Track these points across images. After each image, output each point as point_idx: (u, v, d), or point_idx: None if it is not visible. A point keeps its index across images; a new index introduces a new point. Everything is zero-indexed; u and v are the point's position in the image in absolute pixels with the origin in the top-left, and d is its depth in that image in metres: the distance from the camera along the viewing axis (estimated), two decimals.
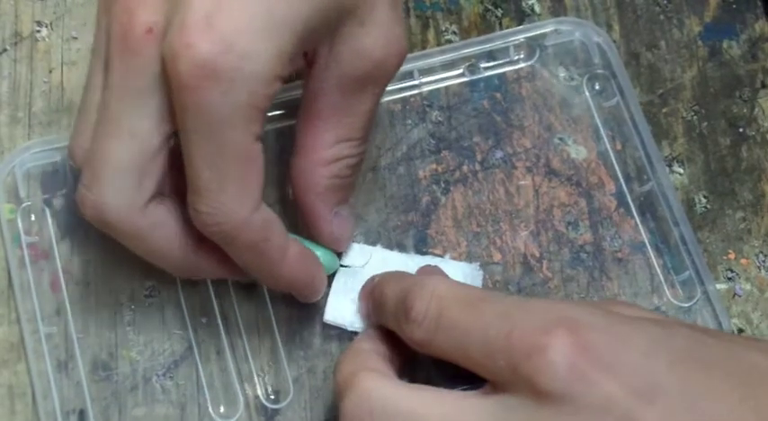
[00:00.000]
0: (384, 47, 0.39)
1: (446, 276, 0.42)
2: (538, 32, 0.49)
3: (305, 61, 0.40)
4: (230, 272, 0.41)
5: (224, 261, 0.40)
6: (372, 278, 0.43)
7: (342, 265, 0.45)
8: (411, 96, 0.49)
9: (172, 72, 0.35)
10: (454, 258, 0.46)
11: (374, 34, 0.39)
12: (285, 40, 0.36)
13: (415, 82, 0.49)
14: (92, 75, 0.39)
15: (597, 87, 0.49)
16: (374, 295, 0.42)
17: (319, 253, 0.43)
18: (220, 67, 0.35)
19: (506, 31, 0.50)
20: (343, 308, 0.44)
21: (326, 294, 0.44)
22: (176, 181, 0.39)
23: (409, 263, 0.45)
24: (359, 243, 0.46)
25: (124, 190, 0.38)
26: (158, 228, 0.39)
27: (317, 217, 0.43)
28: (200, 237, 0.39)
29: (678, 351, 0.35)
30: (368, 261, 0.45)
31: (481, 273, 0.46)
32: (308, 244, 0.43)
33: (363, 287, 0.44)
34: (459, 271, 0.45)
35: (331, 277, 0.44)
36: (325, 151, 0.41)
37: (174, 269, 0.41)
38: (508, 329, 0.35)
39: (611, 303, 0.41)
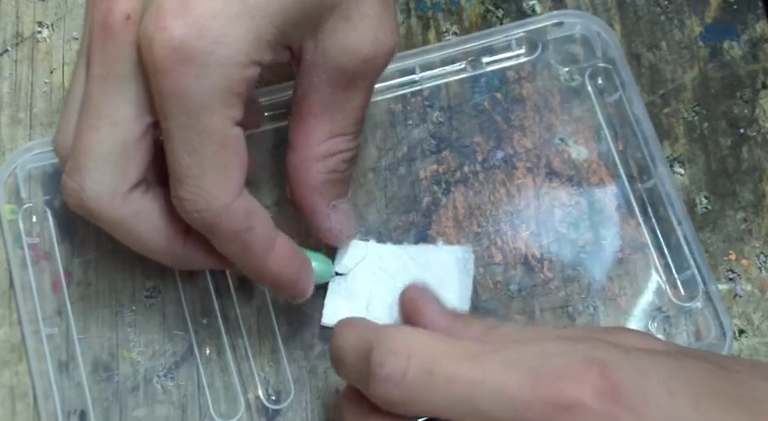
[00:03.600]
0: (372, 43, 0.39)
1: (412, 329, 0.37)
2: (539, 26, 0.49)
3: (292, 57, 0.40)
4: (218, 262, 0.40)
5: (211, 251, 0.39)
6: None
7: (337, 273, 0.45)
8: (412, 97, 0.49)
9: (147, 56, 0.35)
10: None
11: (361, 29, 0.39)
12: (261, 26, 0.35)
13: (416, 78, 0.49)
14: (76, 68, 0.39)
15: (600, 83, 0.49)
16: (331, 349, 0.39)
17: (315, 262, 0.43)
18: (194, 51, 0.34)
19: (508, 25, 0.49)
20: (340, 310, 0.44)
21: (324, 297, 0.44)
22: (162, 169, 0.39)
23: (403, 255, 0.45)
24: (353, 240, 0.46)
25: (105, 178, 0.37)
26: (142, 217, 0.39)
27: (315, 212, 0.42)
28: (186, 227, 0.39)
29: (696, 385, 0.34)
30: (363, 258, 0.45)
31: (473, 256, 0.46)
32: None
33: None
34: (452, 255, 0.45)
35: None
36: (318, 147, 0.41)
37: (162, 259, 0.41)
38: (532, 381, 0.33)
39: (617, 332, 0.39)
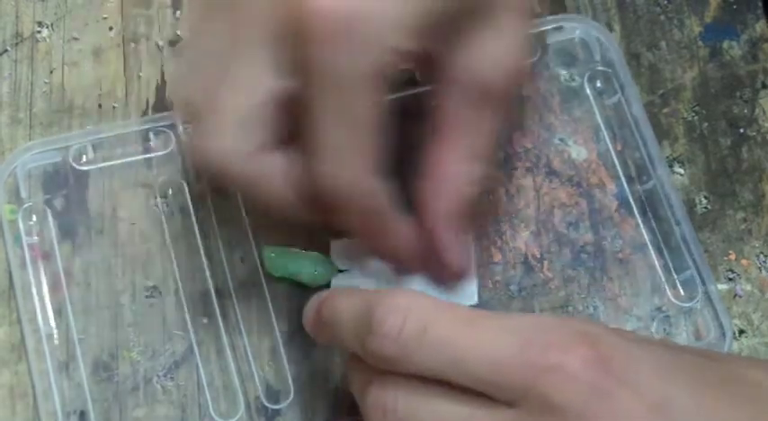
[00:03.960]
0: (518, 56, 0.39)
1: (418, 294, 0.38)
2: (539, 30, 0.49)
3: (418, 65, 0.39)
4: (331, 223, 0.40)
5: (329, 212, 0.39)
6: (318, 295, 0.40)
7: (339, 270, 0.45)
8: (411, 96, 0.48)
9: (302, 24, 0.35)
10: None
11: (510, 42, 0.38)
12: (415, 16, 0.35)
13: (417, 77, 0.48)
14: (204, 23, 0.38)
15: (599, 85, 0.49)
16: (323, 311, 0.39)
17: (315, 262, 0.43)
18: (353, 30, 0.34)
19: None
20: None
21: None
22: (292, 129, 0.38)
23: None
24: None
25: (237, 140, 0.37)
26: (268, 176, 0.38)
27: (440, 240, 0.41)
28: (309, 189, 0.39)
29: (688, 372, 0.34)
30: (362, 253, 0.45)
31: (473, 247, 0.45)
32: (297, 254, 0.43)
33: (307, 306, 0.41)
34: None
35: (327, 285, 0.45)
36: (453, 170, 0.40)
37: (282, 214, 0.40)
38: (521, 344, 0.33)
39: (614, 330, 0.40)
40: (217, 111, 0.37)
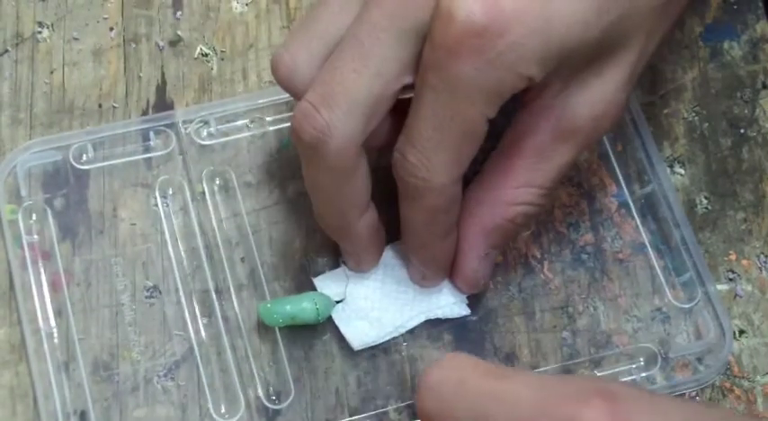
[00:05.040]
0: (608, 103, 0.40)
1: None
2: None
3: (526, 89, 0.39)
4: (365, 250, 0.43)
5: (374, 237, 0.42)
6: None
7: (336, 302, 0.45)
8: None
9: (441, 28, 0.35)
10: None
11: (606, 89, 0.39)
12: (550, 48, 0.36)
13: None
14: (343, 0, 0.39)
15: None
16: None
17: (314, 299, 0.43)
18: (488, 45, 0.35)
19: None
20: (360, 330, 0.44)
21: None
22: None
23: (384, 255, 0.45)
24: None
25: (354, 124, 0.38)
26: (358, 172, 0.39)
27: (470, 251, 0.42)
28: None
29: None
30: (348, 278, 0.45)
31: None
32: (291, 298, 0.44)
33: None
34: None
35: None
36: (511, 190, 0.41)
37: (344, 220, 0.42)
38: (541, 398, 0.33)
39: None
40: (342, 90, 0.37)
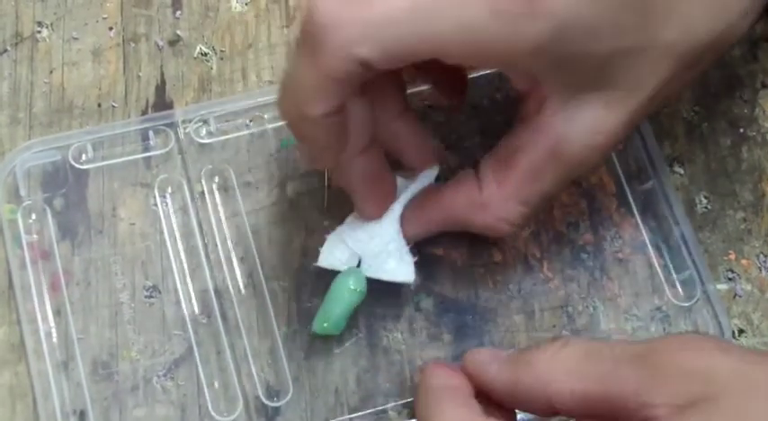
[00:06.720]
0: (607, 136, 0.39)
1: None
2: None
3: (530, 90, 0.40)
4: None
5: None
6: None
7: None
8: (412, 97, 0.48)
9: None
10: (455, 258, 0.46)
11: (606, 119, 0.39)
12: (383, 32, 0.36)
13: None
14: None
15: None
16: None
17: (345, 290, 0.43)
18: (325, 34, 0.36)
19: None
20: (337, 251, 0.44)
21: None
22: None
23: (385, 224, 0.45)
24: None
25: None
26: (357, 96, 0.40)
27: (427, 224, 0.44)
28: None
29: None
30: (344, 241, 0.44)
31: (437, 170, 0.45)
32: (329, 299, 0.43)
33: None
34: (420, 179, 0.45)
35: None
36: (495, 198, 0.41)
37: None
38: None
39: None
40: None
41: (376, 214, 0.44)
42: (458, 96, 0.46)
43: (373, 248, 0.44)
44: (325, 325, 0.43)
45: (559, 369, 0.37)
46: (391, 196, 0.44)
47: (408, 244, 0.44)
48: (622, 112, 0.39)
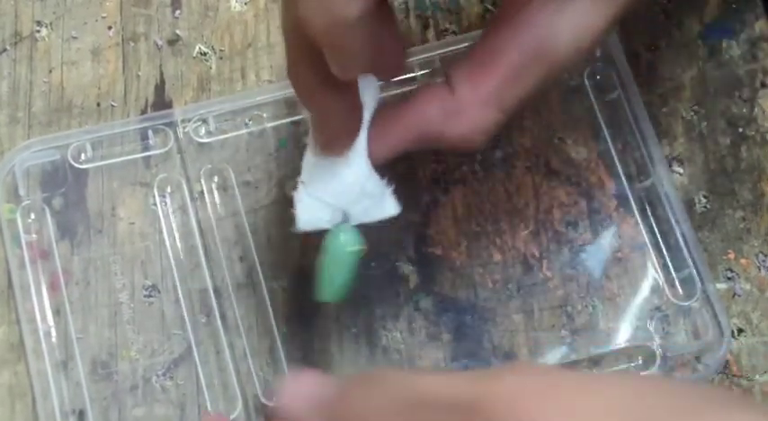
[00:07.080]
0: (593, 33, 0.38)
1: None
2: None
3: None
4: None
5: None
6: None
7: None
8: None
9: None
10: (454, 257, 0.46)
11: (593, 17, 0.37)
12: None
13: (416, 75, 0.48)
14: None
15: (598, 78, 0.49)
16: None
17: (337, 251, 0.41)
18: None
19: None
20: (317, 210, 0.41)
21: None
22: None
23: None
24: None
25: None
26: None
27: (394, 137, 0.41)
28: None
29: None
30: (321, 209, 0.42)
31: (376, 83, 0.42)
32: (324, 269, 0.42)
33: None
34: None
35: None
36: (475, 108, 0.39)
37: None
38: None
39: None
40: None
41: (343, 147, 0.41)
42: (397, 72, 0.43)
43: (352, 195, 0.41)
44: (331, 291, 0.41)
45: None
46: (359, 123, 0.41)
47: (375, 166, 0.41)
48: (610, 6, 0.38)
